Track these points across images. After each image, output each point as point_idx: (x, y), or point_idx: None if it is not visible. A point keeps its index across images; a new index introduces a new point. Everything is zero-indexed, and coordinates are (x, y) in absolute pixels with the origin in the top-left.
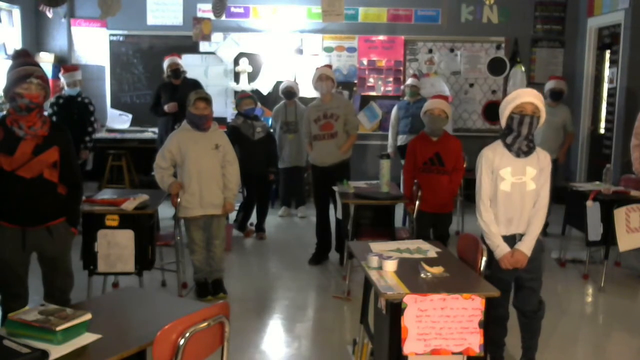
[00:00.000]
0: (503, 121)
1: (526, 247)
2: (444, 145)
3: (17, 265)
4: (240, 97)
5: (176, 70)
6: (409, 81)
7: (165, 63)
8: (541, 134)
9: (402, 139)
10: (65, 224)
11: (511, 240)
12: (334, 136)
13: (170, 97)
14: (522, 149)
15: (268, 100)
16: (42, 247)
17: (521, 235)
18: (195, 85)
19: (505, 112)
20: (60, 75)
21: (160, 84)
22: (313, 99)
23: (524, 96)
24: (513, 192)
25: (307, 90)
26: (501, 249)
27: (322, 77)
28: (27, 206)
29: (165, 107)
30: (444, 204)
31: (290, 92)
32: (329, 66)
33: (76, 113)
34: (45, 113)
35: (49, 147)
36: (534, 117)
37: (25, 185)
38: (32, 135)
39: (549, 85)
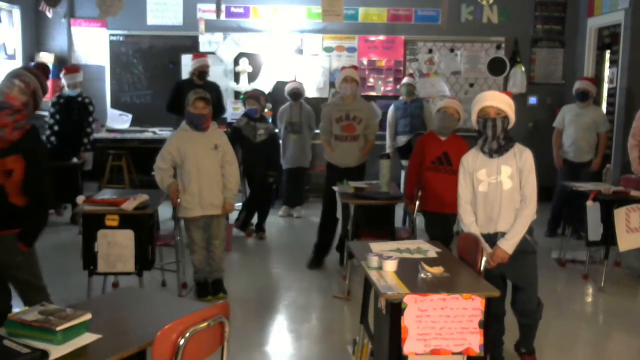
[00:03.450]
0: (474, 125)
1: (507, 244)
2: (452, 145)
3: None
4: (247, 96)
5: (204, 72)
6: (405, 80)
7: (195, 63)
8: (572, 134)
9: (402, 140)
10: (13, 236)
11: (493, 238)
12: (356, 139)
13: None
14: (493, 148)
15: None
16: None
17: (503, 234)
18: (216, 88)
19: (472, 116)
20: (61, 76)
21: (178, 81)
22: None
23: (484, 100)
24: (490, 192)
25: (309, 91)
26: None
27: (348, 79)
28: None
29: None
30: (449, 204)
31: (297, 94)
32: (355, 67)
33: (76, 113)
34: (46, 113)
35: (12, 153)
36: (497, 119)
37: None
38: None
39: (575, 85)
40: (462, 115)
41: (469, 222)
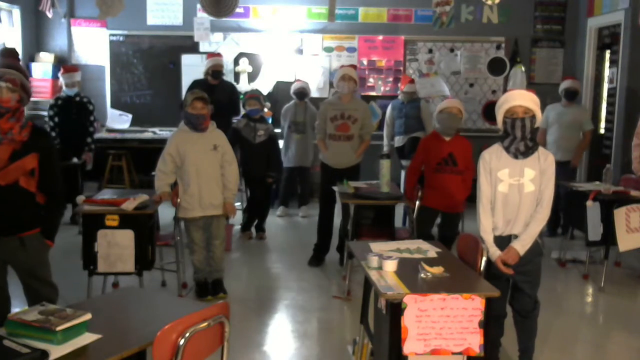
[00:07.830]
0: (499, 125)
1: (520, 245)
2: (457, 145)
3: None
4: (247, 97)
5: (218, 72)
6: (405, 88)
7: (209, 62)
8: (555, 133)
9: (398, 140)
10: (39, 235)
11: (507, 240)
12: (350, 138)
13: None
14: (520, 150)
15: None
16: (14, 258)
17: (517, 236)
18: (231, 88)
19: (498, 116)
20: (60, 75)
21: (194, 80)
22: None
23: (511, 100)
24: (510, 194)
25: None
26: (492, 253)
27: (345, 77)
28: (0, 214)
29: None
30: (457, 204)
31: (302, 93)
32: (354, 66)
33: (75, 113)
34: (45, 113)
35: (27, 153)
36: (526, 118)
37: None
38: (9, 140)
39: (564, 85)
40: (464, 114)
41: (485, 224)
